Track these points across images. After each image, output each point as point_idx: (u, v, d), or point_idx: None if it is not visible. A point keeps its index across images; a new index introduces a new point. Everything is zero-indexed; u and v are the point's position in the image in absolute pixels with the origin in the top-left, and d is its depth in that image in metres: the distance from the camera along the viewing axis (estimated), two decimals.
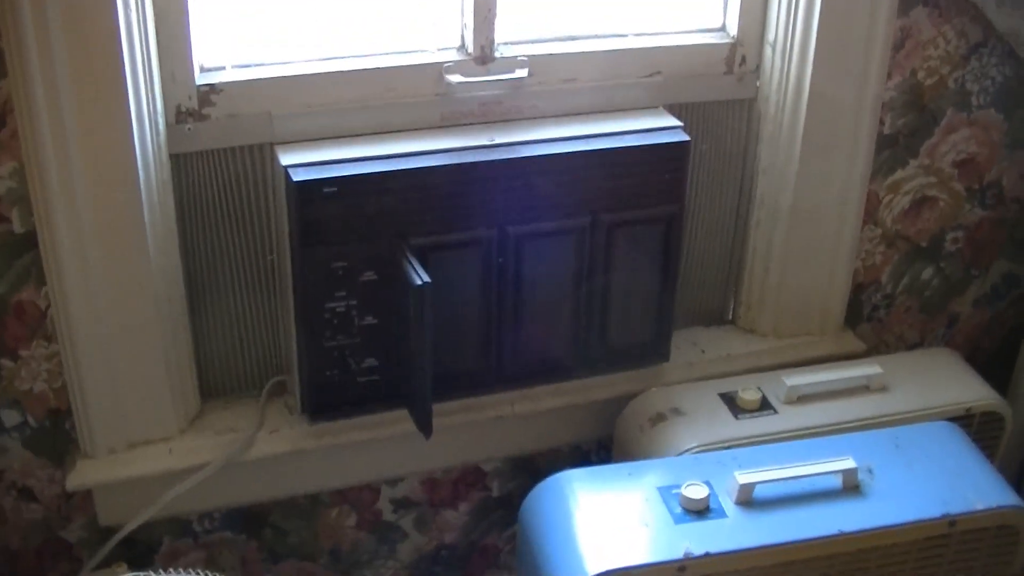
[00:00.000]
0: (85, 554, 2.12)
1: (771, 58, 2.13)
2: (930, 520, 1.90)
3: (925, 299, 2.47)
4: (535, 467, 2.32)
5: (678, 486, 1.90)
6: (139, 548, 2.14)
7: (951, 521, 1.91)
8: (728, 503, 1.89)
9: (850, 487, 1.93)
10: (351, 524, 2.26)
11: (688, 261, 2.27)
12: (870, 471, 1.96)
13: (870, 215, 2.30)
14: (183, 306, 1.98)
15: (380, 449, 2.11)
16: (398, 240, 1.94)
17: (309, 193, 1.88)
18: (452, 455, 2.22)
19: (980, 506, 1.93)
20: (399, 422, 2.04)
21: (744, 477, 1.89)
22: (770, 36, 2.12)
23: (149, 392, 1.97)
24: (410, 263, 1.92)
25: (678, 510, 1.88)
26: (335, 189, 1.89)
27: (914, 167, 2.29)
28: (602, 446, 2.30)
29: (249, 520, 2.18)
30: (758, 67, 2.15)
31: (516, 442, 2.25)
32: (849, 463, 1.93)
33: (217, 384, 2.11)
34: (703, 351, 2.29)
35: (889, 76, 2.17)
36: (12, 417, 1.98)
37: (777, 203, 2.20)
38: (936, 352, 2.34)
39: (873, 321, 2.45)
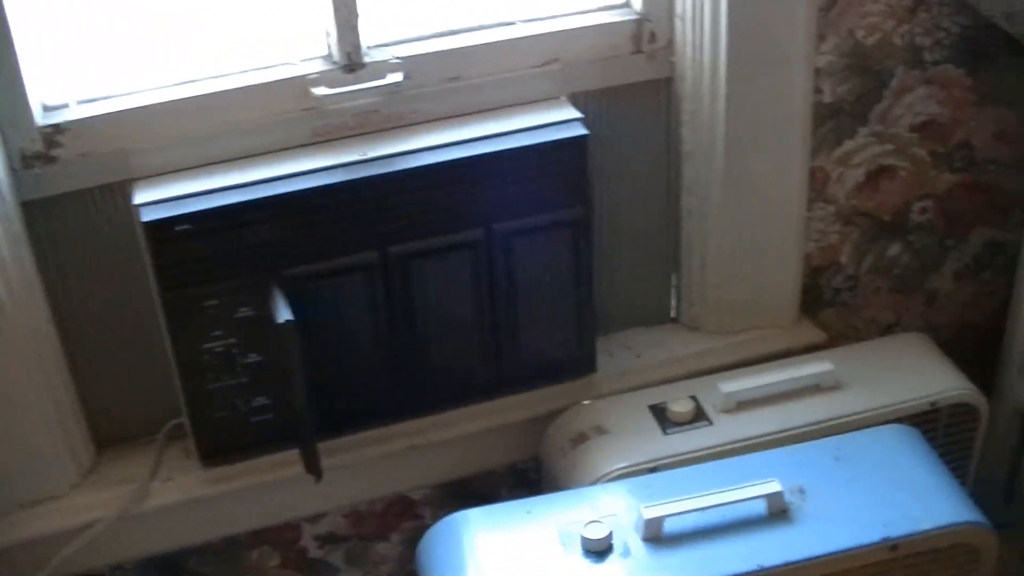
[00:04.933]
0: None
1: (683, 32, 1.76)
2: (866, 547, 1.54)
3: (896, 277, 2.06)
4: (470, 491, 1.99)
5: (580, 524, 1.60)
6: None
7: (892, 545, 1.54)
8: (635, 541, 1.55)
9: (776, 512, 1.57)
10: (275, 564, 1.96)
11: (619, 259, 1.92)
12: (802, 491, 1.60)
13: (819, 193, 1.91)
14: (59, 360, 1.72)
15: (289, 488, 1.81)
16: (268, 273, 1.66)
17: (161, 232, 1.60)
18: (372, 488, 1.91)
19: (927, 525, 1.56)
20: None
21: (650, 511, 1.55)
22: (678, 8, 1.75)
23: (33, 452, 1.72)
24: (275, 299, 1.64)
25: (579, 552, 1.57)
26: (188, 226, 1.61)
27: (865, 136, 1.89)
28: (540, 463, 1.97)
29: (165, 568, 1.90)
30: (670, 43, 1.78)
31: (441, 469, 1.93)
32: (773, 486, 1.57)
33: (114, 432, 1.84)
34: (638, 356, 1.93)
35: (822, 39, 1.78)
36: None
37: (707, 189, 1.84)
38: (902, 338, 1.94)
39: (838, 306, 2.05)
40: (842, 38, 1.80)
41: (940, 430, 1.79)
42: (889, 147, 1.92)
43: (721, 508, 1.57)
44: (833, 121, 1.86)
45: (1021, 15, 1.76)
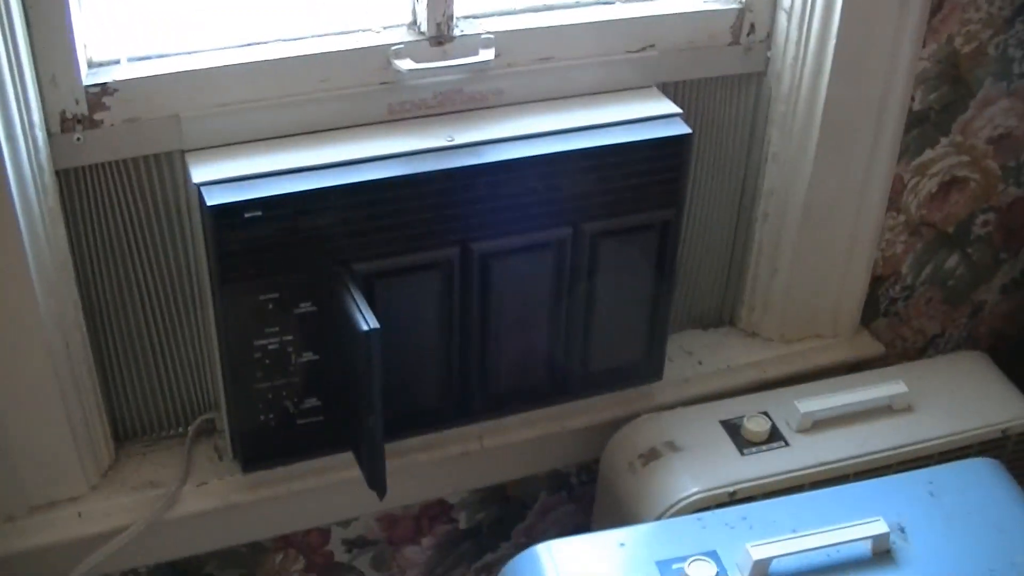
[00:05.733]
0: None
1: (785, 26, 1.59)
2: None
3: (948, 289, 1.97)
4: (506, 495, 1.84)
5: (680, 559, 1.43)
6: None
7: None
8: None
9: (880, 553, 1.46)
10: (299, 568, 1.77)
11: (682, 259, 1.76)
12: (902, 531, 1.50)
13: (893, 201, 1.79)
14: (85, 350, 1.48)
15: (328, 494, 1.63)
16: (339, 268, 1.45)
17: (228, 219, 1.37)
18: (412, 493, 1.74)
19: None
20: (347, 466, 1.55)
21: (758, 551, 1.41)
22: (785, 1, 1.60)
23: (50, 448, 1.49)
24: (354, 302, 1.43)
25: None
26: (260, 213, 1.38)
27: (944, 146, 1.77)
28: (583, 468, 1.83)
29: (181, 573, 1.69)
30: (768, 36, 1.62)
31: (488, 474, 1.77)
32: (880, 526, 1.45)
33: (135, 426, 1.62)
34: (700, 362, 1.79)
35: (923, 44, 1.66)
36: None
37: (788, 193, 1.69)
38: (964, 357, 1.84)
39: (890, 316, 1.95)
40: (940, 45, 1.67)
41: (1005, 457, 1.72)
42: (965, 158, 1.80)
43: (826, 548, 1.47)
44: (918, 129, 1.74)
45: None
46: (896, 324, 1.96)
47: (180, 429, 1.63)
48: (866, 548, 1.48)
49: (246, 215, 1.38)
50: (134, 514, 1.54)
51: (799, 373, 1.79)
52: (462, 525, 1.84)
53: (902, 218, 1.83)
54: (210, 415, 1.62)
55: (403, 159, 1.46)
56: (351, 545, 1.79)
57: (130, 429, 1.62)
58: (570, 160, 1.50)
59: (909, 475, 1.60)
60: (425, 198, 1.46)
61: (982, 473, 1.61)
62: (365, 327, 1.40)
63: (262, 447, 1.56)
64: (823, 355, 1.83)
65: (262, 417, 1.53)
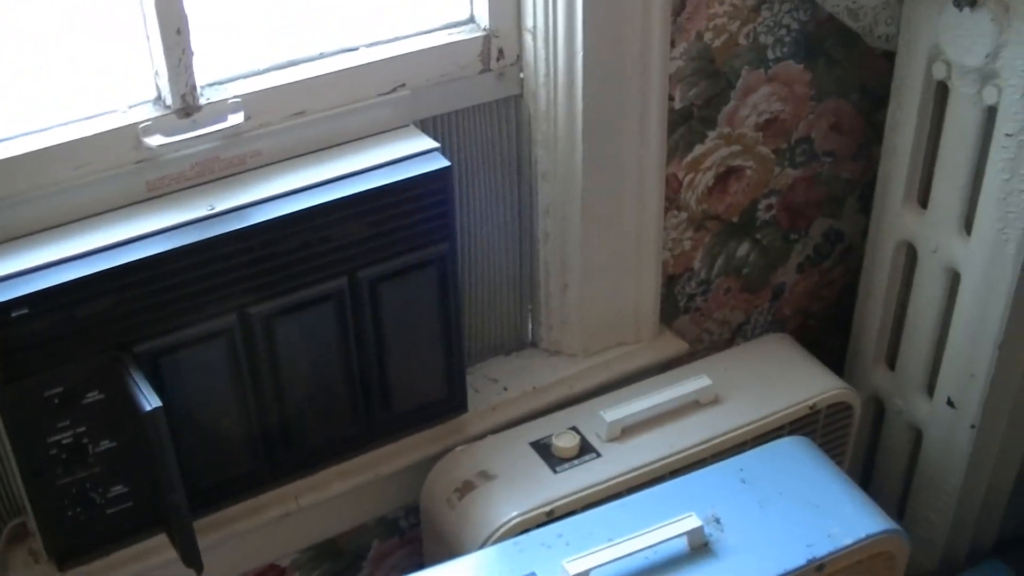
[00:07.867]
0: None
1: (532, 47, 1.68)
2: (794, 571, 1.53)
3: (745, 277, 2.05)
4: (338, 549, 1.87)
5: None
6: None
7: (819, 566, 1.55)
8: None
9: (698, 547, 1.54)
10: None
11: (473, 290, 1.83)
12: (717, 521, 1.59)
13: (672, 200, 1.88)
14: None
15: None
16: (118, 352, 1.49)
17: None
18: (241, 562, 1.76)
19: (848, 540, 1.57)
20: (168, 546, 1.59)
21: (574, 566, 1.48)
22: (528, 22, 1.67)
23: None
24: (135, 383, 1.48)
25: None
26: (26, 310, 1.41)
27: (714, 139, 1.86)
28: (410, 511, 1.87)
29: None
30: (519, 58, 1.70)
31: (314, 531, 1.80)
32: (692, 521, 1.54)
33: None
34: (505, 388, 1.85)
35: (673, 44, 1.75)
36: None
37: (565, 210, 1.77)
38: (766, 341, 1.94)
39: (692, 312, 2.03)
40: (691, 42, 1.76)
41: (818, 432, 1.81)
42: (736, 148, 1.89)
43: (643, 551, 1.54)
44: (684, 127, 1.82)
45: (863, 10, 1.78)
46: (699, 319, 2.05)
47: None
48: (683, 544, 1.56)
49: (13, 314, 1.42)
50: None
51: (607, 383, 1.86)
52: None
53: (684, 215, 1.92)
54: (21, 519, 1.63)
55: (165, 235, 1.49)
56: None
57: None
58: (333, 210, 1.55)
59: (720, 465, 1.68)
60: (192, 270, 1.50)
61: (791, 452, 1.71)
62: (148, 407, 1.45)
63: (75, 543, 1.59)
64: (628, 362, 1.90)
65: (70, 512, 1.55)
